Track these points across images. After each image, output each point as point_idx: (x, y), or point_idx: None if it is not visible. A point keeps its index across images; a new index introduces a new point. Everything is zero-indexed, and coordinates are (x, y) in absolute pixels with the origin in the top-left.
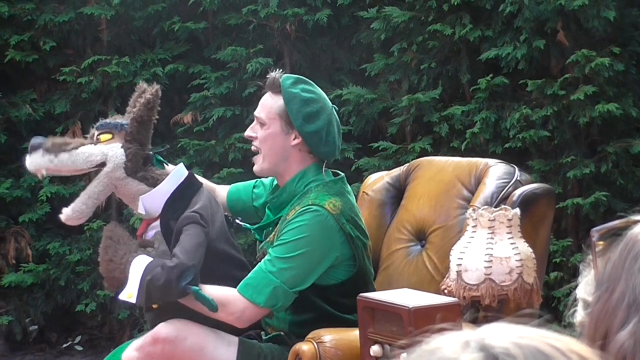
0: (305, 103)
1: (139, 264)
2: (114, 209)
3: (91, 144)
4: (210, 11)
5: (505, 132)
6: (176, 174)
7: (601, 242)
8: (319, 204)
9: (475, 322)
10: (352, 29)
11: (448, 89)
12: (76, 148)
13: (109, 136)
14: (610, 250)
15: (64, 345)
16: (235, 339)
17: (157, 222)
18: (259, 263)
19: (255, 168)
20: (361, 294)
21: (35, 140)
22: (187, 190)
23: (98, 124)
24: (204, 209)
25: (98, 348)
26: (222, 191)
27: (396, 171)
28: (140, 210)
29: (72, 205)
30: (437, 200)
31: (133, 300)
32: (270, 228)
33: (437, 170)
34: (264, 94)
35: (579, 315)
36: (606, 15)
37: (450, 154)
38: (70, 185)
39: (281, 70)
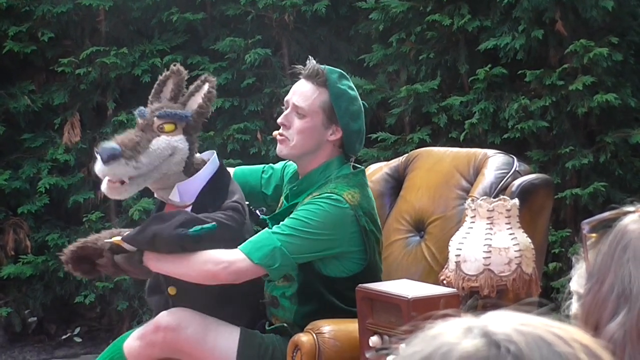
0: (352, 101)
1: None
2: (112, 201)
3: (151, 133)
4: (208, 2)
5: (504, 122)
6: (212, 162)
7: (593, 235)
8: (338, 193)
9: (474, 311)
10: (351, 19)
11: (446, 79)
12: (146, 146)
13: (172, 127)
14: (601, 242)
15: (63, 337)
16: (237, 329)
17: (187, 210)
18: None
19: (281, 150)
20: (360, 285)
21: (110, 148)
22: (222, 179)
23: (160, 112)
24: (242, 199)
25: (97, 339)
26: None
27: (395, 162)
28: (174, 197)
29: (127, 184)
30: (435, 191)
31: (123, 243)
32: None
33: (436, 160)
34: (297, 80)
35: (573, 307)
36: (604, 5)
37: (449, 145)
38: (68, 176)
39: (280, 64)
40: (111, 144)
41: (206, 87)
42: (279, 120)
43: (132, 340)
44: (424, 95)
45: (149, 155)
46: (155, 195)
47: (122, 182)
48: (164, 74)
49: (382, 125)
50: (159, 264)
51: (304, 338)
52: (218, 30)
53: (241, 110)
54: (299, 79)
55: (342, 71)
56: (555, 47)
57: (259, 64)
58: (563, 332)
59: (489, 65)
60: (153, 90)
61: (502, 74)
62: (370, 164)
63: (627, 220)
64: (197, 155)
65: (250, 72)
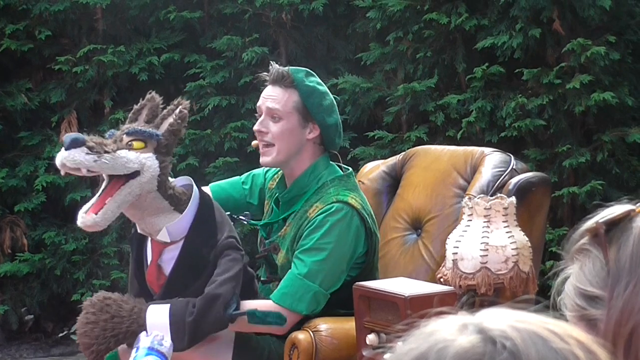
0: (323, 96)
1: (157, 311)
2: None
3: (122, 148)
4: (205, 0)
5: (501, 121)
6: (195, 195)
7: (585, 237)
8: (343, 200)
9: (471, 309)
10: (348, 18)
11: (444, 78)
12: (114, 149)
13: (142, 144)
14: (614, 242)
15: (60, 335)
16: (231, 332)
17: (174, 246)
18: (291, 269)
19: (266, 160)
20: (357, 283)
21: (76, 136)
22: (206, 211)
23: (129, 129)
24: (232, 230)
25: None
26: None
27: (392, 160)
28: (164, 237)
29: (101, 213)
30: (433, 189)
31: (166, 349)
32: (276, 225)
33: (433, 159)
34: (264, 87)
35: (573, 305)
36: (602, 4)
37: (446, 143)
38: (66, 175)
39: (278, 62)
40: (78, 135)
41: (179, 109)
42: (255, 128)
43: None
44: (421, 94)
45: (114, 159)
46: (139, 231)
47: (96, 212)
48: (139, 103)
49: (379, 123)
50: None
51: (301, 336)
52: (215, 28)
53: (238, 109)
54: (265, 86)
55: (306, 69)
56: (553, 46)
57: (256, 62)
58: (559, 328)
59: (486, 64)
60: (128, 119)
61: (499, 72)
62: (367, 162)
63: None
64: (173, 179)
65: (247, 70)
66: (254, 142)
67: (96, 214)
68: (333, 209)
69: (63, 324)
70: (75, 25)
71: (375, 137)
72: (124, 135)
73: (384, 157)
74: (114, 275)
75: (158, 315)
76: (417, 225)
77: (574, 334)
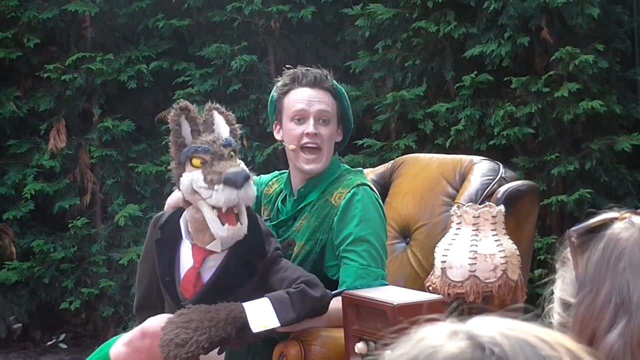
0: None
1: (256, 301)
2: (98, 207)
3: (227, 161)
4: (194, 8)
5: (490, 129)
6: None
7: (577, 241)
8: (365, 184)
9: (459, 317)
10: (337, 26)
11: (432, 86)
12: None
13: (234, 154)
14: (588, 249)
15: (48, 343)
16: None
17: (217, 255)
18: (344, 266)
19: (316, 167)
20: (346, 291)
21: (241, 171)
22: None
23: (225, 141)
24: (277, 242)
25: (82, 346)
26: None
27: (381, 168)
28: (215, 248)
29: (243, 221)
30: (421, 197)
31: (274, 324)
32: (284, 227)
33: (422, 167)
34: (286, 90)
35: (556, 314)
36: (590, 12)
37: (435, 151)
38: (54, 182)
39: (267, 70)
40: (237, 169)
41: (216, 113)
42: (310, 130)
43: (118, 346)
44: (409, 102)
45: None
46: (185, 237)
47: (237, 218)
48: (173, 115)
49: (367, 131)
50: (301, 326)
51: (289, 345)
52: (204, 36)
53: None
54: (282, 90)
55: None
56: (541, 54)
57: (245, 70)
58: (548, 336)
59: (475, 72)
60: (174, 132)
61: (488, 80)
62: None
63: (617, 229)
64: None
65: (236, 78)
66: (290, 146)
67: (240, 224)
68: (359, 195)
69: (51, 333)
70: (64, 33)
71: (364, 146)
72: (222, 147)
73: (373, 166)
74: (102, 283)
75: (256, 303)
76: (405, 234)
77: (564, 342)
